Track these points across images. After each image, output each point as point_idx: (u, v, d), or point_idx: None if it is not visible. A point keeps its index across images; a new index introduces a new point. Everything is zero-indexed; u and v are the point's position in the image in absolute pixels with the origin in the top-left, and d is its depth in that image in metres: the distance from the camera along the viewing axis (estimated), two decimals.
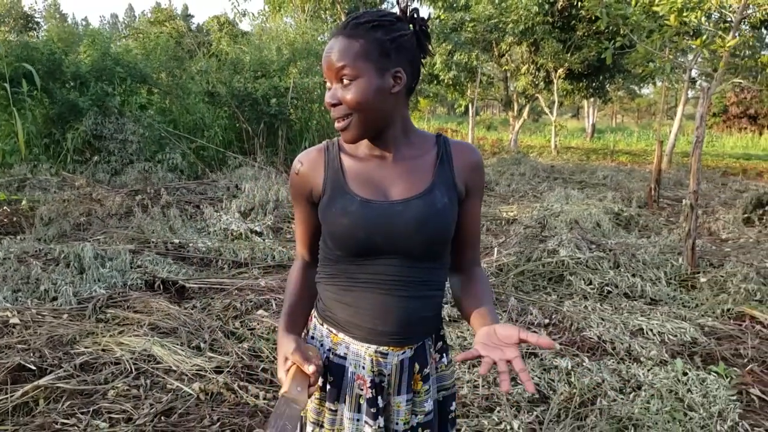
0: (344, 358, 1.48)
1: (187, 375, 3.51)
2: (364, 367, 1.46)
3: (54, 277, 4.72)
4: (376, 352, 1.44)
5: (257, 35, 15.55)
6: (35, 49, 9.68)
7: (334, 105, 1.37)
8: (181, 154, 10.05)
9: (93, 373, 3.48)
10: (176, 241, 6.06)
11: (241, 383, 3.43)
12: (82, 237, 6.06)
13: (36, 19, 29.10)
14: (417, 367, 1.49)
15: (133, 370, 3.51)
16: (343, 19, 1.47)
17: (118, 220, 6.75)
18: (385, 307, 1.42)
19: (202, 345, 3.87)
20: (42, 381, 3.30)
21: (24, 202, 6.85)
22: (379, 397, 1.45)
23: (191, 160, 10.22)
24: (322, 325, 1.53)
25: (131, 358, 3.62)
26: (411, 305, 1.44)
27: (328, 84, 1.39)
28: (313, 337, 1.55)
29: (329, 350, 1.50)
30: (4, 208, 6.58)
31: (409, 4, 1.44)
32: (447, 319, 4.33)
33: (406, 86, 1.41)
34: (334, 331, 1.49)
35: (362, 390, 1.46)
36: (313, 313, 1.58)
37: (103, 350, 3.74)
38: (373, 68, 1.35)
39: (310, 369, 1.30)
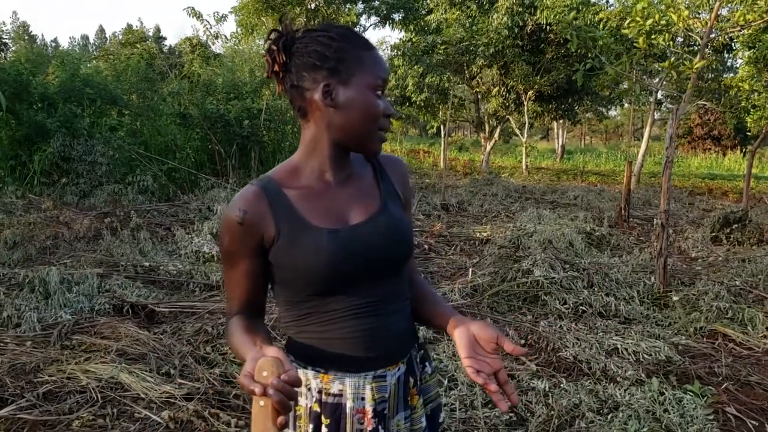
0: (340, 395, 1.37)
1: (156, 403, 3.41)
2: (364, 398, 1.37)
3: (18, 303, 4.58)
4: (374, 378, 1.38)
5: (230, 57, 15.52)
6: (1, 69, 9.53)
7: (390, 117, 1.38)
8: (153, 176, 9.93)
9: (57, 403, 3.37)
10: (146, 264, 5.95)
11: (213, 410, 3.33)
12: (49, 261, 5.92)
13: (4, 40, 28.73)
14: (411, 381, 1.45)
15: (100, 399, 3.40)
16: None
17: (86, 244, 6.61)
18: (372, 330, 1.37)
19: (172, 371, 3.77)
20: (2, 412, 3.18)
21: None
22: (380, 427, 1.38)
23: (162, 182, 10.10)
24: (306, 368, 1.39)
25: (97, 386, 3.50)
26: (394, 320, 1.40)
27: (379, 89, 1.34)
28: None
29: (320, 392, 1.38)
30: None
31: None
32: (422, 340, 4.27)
33: None
34: (323, 370, 1.38)
35: (363, 423, 1.37)
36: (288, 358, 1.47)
37: (68, 378, 3.61)
38: None
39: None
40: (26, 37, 49.32)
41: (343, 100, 1.32)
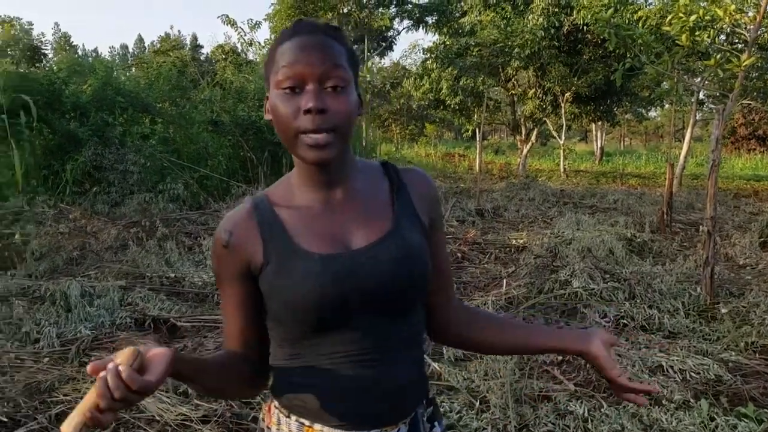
0: None
1: (171, 425, 3.26)
2: None
3: (38, 317, 4.50)
4: None
5: (262, 64, 15.50)
6: (34, 80, 9.59)
7: (322, 111, 1.06)
8: (184, 184, 9.87)
9: None
10: (172, 275, 5.84)
11: None
12: (74, 272, 5.85)
13: (43, 51, 29.35)
14: None
15: (113, 421, 3.25)
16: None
17: (113, 254, 6.54)
18: (368, 380, 1.14)
19: (189, 391, 3.62)
20: None
21: (17, 236, 6.65)
22: None
23: (194, 190, 10.04)
24: (288, 417, 1.19)
25: None
26: (398, 371, 1.17)
27: (290, 85, 1.07)
28: None
29: None
30: None
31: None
32: (453, 359, 4.06)
33: None
34: (308, 422, 1.17)
35: None
36: (273, 404, 1.24)
37: (82, 398, 3.48)
38: (353, 81, 1.13)
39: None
40: (67, 48, 50.41)
41: (270, 110, 1.13)
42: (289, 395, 1.19)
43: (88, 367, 0.90)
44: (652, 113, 42.30)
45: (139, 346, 0.97)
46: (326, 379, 1.14)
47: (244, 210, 1.18)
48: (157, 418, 3.31)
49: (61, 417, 3.31)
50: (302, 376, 1.16)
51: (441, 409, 3.41)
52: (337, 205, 1.17)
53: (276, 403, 1.22)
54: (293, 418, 1.18)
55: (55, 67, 11.83)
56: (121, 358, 0.90)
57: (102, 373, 0.89)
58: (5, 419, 3.22)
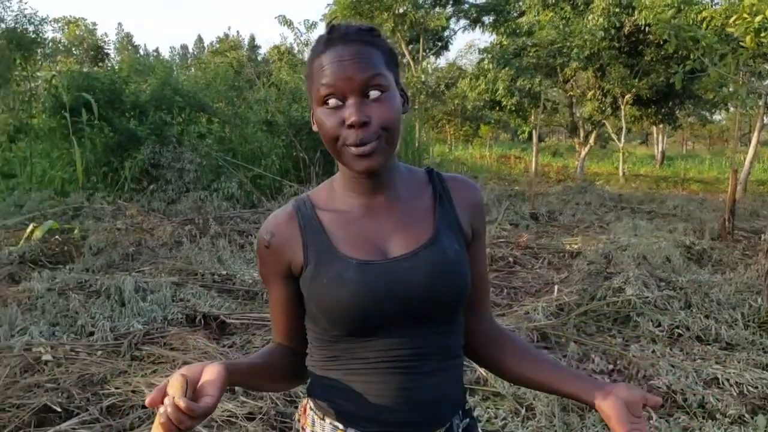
0: None
1: (216, 422, 3.28)
2: None
3: (93, 311, 4.61)
4: None
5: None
6: (96, 79, 9.89)
7: (365, 124, 1.07)
8: (238, 183, 10.03)
9: (119, 417, 3.30)
10: (223, 272, 5.92)
11: None
12: (130, 267, 5.99)
13: (106, 51, 30.26)
14: None
15: None
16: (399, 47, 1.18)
17: (168, 251, 6.67)
18: (402, 389, 1.14)
19: (236, 388, 3.65)
20: (64, 425, 3.14)
21: (76, 231, 6.86)
22: None
23: (248, 188, 10.18)
24: (323, 419, 1.20)
25: None
26: (433, 381, 1.16)
27: (333, 101, 1.08)
28: None
29: None
30: (56, 237, 6.59)
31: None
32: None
33: None
34: (341, 426, 1.18)
35: None
36: (308, 405, 1.26)
37: (132, 392, 3.55)
38: (394, 81, 1.13)
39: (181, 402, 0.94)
40: (129, 48, 51.84)
41: (315, 123, 1.14)
42: (323, 398, 1.20)
43: (147, 401, 0.96)
44: (717, 116, 40.99)
45: (186, 368, 1.01)
46: (360, 384, 1.14)
47: (286, 211, 1.21)
48: None
49: (111, 409, 3.39)
50: (337, 379, 1.17)
51: (486, 415, 3.36)
52: (377, 212, 1.17)
53: (311, 404, 1.24)
54: (327, 420, 1.19)
55: (116, 67, 12.17)
56: (175, 390, 0.95)
57: (161, 409, 0.93)
58: (59, 409, 3.30)
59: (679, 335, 4.64)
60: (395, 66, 1.15)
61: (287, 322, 1.24)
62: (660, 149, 31.48)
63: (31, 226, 6.60)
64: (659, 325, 4.76)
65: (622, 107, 19.26)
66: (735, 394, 3.69)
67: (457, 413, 1.23)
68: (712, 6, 14.01)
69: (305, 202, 1.21)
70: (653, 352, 4.26)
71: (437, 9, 20.57)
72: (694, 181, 20.76)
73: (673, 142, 48.36)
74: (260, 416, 3.34)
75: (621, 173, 20.86)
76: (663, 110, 20.38)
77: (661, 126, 26.42)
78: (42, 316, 4.52)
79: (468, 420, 1.26)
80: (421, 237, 1.15)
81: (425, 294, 1.12)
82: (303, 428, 1.26)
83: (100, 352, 4.06)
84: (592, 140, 21.28)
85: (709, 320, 4.79)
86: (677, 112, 21.38)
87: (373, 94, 1.08)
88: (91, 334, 4.34)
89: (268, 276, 1.22)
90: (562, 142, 45.66)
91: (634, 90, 18.09)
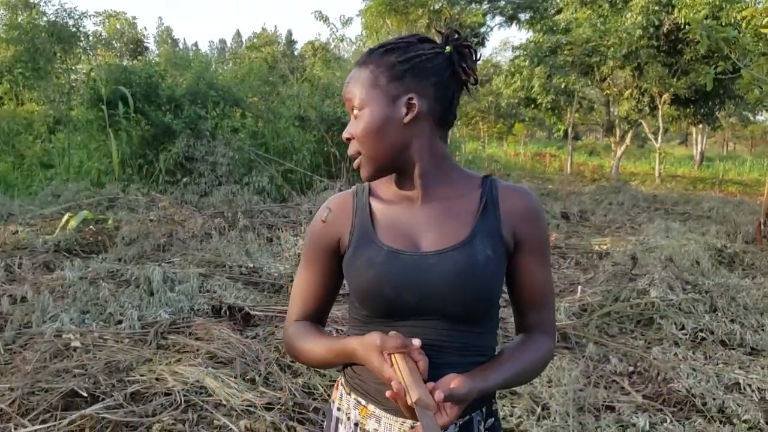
0: None
1: (236, 410, 3.35)
2: None
3: (122, 300, 4.72)
4: (411, 428, 1.20)
5: (352, 59, 15.68)
6: (133, 72, 10.07)
7: (348, 140, 1.25)
8: (269, 177, 10.12)
9: (143, 404, 3.39)
10: (250, 264, 6.01)
11: (290, 423, 3.24)
12: (160, 258, 6.10)
13: (145, 44, 30.70)
14: None
15: (183, 403, 3.39)
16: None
17: (198, 242, 6.78)
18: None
19: (256, 378, 3.72)
20: (89, 410, 3.23)
21: (110, 222, 7.01)
22: None
23: (278, 183, 10.28)
24: (349, 394, 1.30)
25: (182, 389, 3.50)
26: (447, 374, 1.18)
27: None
28: (339, 409, 1.33)
29: (356, 425, 1.28)
30: (90, 227, 6.75)
31: (458, 30, 1.25)
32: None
33: (429, 114, 1.20)
34: (363, 402, 1.27)
35: None
36: (340, 380, 1.37)
37: (156, 379, 3.64)
38: (382, 96, 1.18)
39: (416, 342, 1.12)
40: (169, 41, 52.56)
41: None
42: (352, 374, 1.30)
43: (397, 397, 1.09)
44: (760, 117, 40.05)
45: (383, 336, 1.14)
46: None
47: (346, 194, 1.34)
48: (224, 402, 3.42)
49: (135, 395, 3.48)
50: None
51: (501, 413, 3.37)
52: (417, 207, 1.25)
53: (342, 380, 1.34)
54: (353, 396, 1.29)
55: (155, 60, 12.37)
56: (402, 373, 1.09)
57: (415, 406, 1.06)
58: (85, 394, 3.40)
59: (703, 339, 4.59)
60: (387, 79, 1.19)
61: (320, 297, 1.35)
62: (699, 150, 30.91)
63: (66, 216, 6.76)
64: (683, 328, 4.71)
65: (660, 107, 18.94)
66: (756, 400, 3.64)
67: (479, 410, 1.27)
68: (755, 5, 13.69)
69: (364, 189, 1.33)
70: (675, 355, 4.22)
71: (473, 5, 20.45)
72: (733, 183, 20.36)
73: (713, 142, 47.43)
74: (279, 406, 3.40)
75: (657, 174, 20.54)
76: (702, 110, 19.99)
77: (700, 126, 25.94)
78: (73, 303, 4.64)
79: (492, 420, 1.31)
80: (454, 237, 1.21)
81: (447, 292, 1.18)
82: (333, 401, 1.37)
83: (127, 340, 4.17)
84: (628, 140, 20.98)
85: (734, 324, 4.73)
86: (717, 112, 20.95)
87: (355, 112, 1.22)
88: (120, 322, 4.45)
89: (315, 250, 1.33)
90: (599, 141, 45.07)
91: (672, 89, 17.78)
